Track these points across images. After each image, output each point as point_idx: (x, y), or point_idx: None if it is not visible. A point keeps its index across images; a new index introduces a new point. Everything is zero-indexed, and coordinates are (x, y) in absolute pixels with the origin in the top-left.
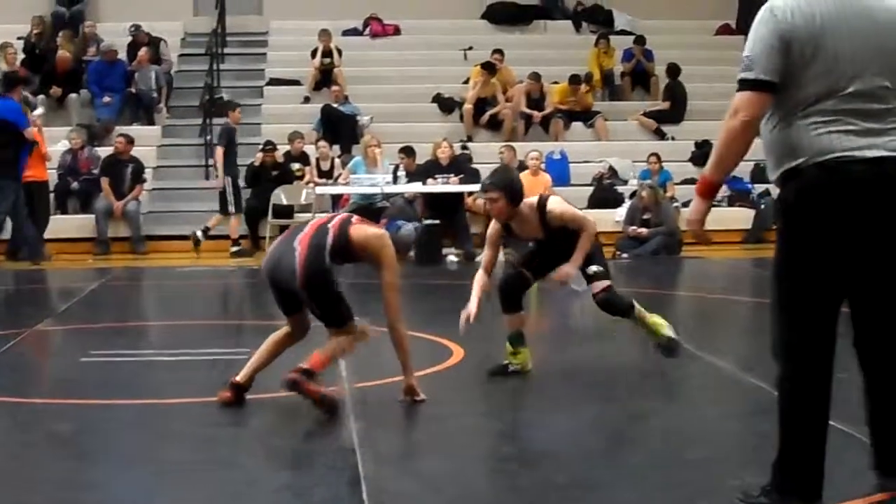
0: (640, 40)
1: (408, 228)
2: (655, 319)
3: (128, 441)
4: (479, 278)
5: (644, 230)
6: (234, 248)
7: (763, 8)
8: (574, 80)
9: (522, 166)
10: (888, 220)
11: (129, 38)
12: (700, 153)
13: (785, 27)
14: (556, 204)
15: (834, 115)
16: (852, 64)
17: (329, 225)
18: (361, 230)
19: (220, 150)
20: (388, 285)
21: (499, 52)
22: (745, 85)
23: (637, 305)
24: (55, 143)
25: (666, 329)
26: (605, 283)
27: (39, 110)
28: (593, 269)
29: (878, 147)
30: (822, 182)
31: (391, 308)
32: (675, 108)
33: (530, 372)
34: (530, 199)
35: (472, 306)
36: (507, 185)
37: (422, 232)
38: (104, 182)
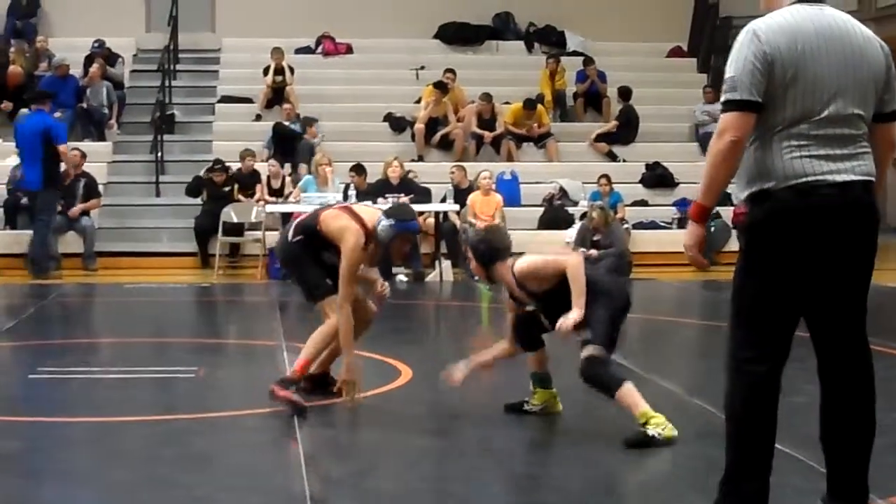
0: (589, 61)
1: (383, 225)
2: (646, 411)
3: (74, 459)
4: (498, 345)
5: (594, 251)
6: None
7: (745, 30)
8: (529, 104)
9: (473, 187)
10: (853, 242)
11: (82, 54)
12: (650, 175)
13: (768, 49)
14: (523, 262)
15: (808, 140)
16: (829, 89)
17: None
18: (331, 217)
19: (304, 169)
20: (341, 272)
21: (451, 71)
22: (730, 106)
23: (629, 387)
24: (5, 157)
25: (651, 427)
26: (591, 350)
27: None
28: (584, 335)
29: (846, 171)
30: (793, 205)
31: (339, 294)
32: (626, 130)
33: (557, 413)
34: (509, 262)
35: (461, 369)
36: (474, 245)
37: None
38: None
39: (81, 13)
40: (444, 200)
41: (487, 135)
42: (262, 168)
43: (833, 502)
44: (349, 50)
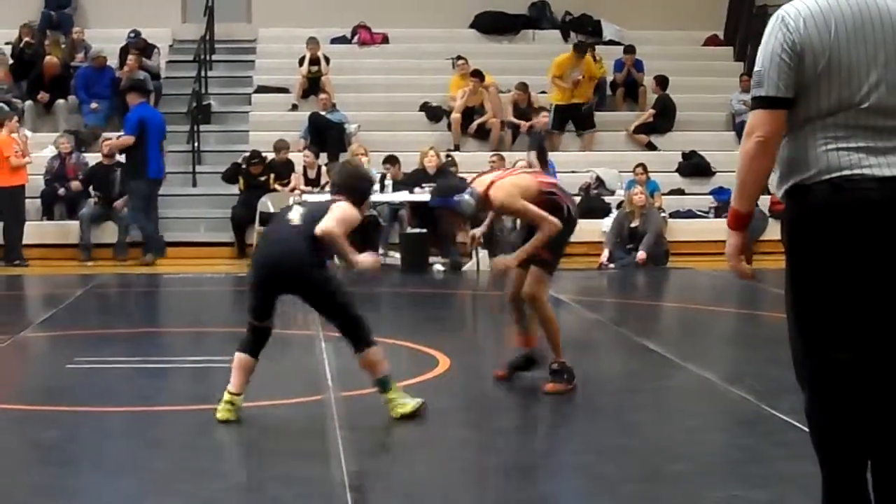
0: (629, 49)
1: (465, 199)
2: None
3: (111, 449)
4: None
5: (643, 255)
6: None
7: (774, 16)
8: (579, 48)
9: None
10: (887, 237)
11: (118, 45)
12: (687, 164)
13: (796, 38)
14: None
15: (845, 131)
16: (868, 77)
17: None
18: None
19: (533, 155)
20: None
21: (462, 58)
22: (757, 102)
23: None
24: (42, 148)
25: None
26: None
27: None
28: None
29: (889, 165)
30: (830, 201)
31: None
32: (662, 119)
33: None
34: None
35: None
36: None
37: (409, 240)
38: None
39: (117, 4)
40: None
41: (524, 124)
42: (298, 158)
43: None
44: (385, 40)
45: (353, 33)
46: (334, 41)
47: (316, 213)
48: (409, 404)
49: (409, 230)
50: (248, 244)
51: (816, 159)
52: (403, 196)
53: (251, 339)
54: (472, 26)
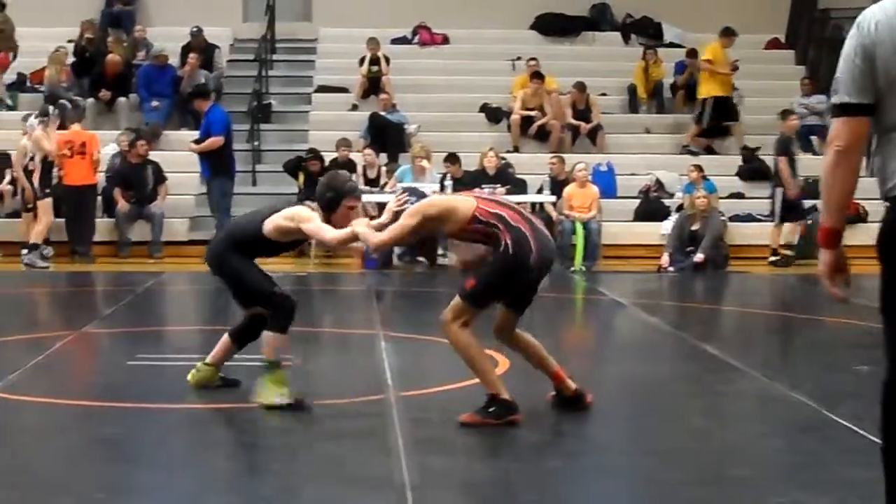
0: (692, 53)
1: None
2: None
3: (172, 446)
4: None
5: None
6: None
7: (855, 21)
8: (727, 31)
9: (569, 178)
10: None
11: (179, 44)
12: (747, 167)
13: (867, 42)
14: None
15: None
16: None
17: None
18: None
19: (783, 161)
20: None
21: (534, 59)
22: (836, 111)
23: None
24: (104, 146)
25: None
26: None
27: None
28: None
29: None
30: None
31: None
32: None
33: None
34: None
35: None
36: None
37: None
38: (116, 192)
39: (179, 2)
40: (540, 191)
41: (584, 126)
42: (358, 158)
43: None
44: (445, 40)
45: (414, 34)
46: (395, 41)
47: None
48: (272, 397)
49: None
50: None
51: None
52: None
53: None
54: (532, 27)
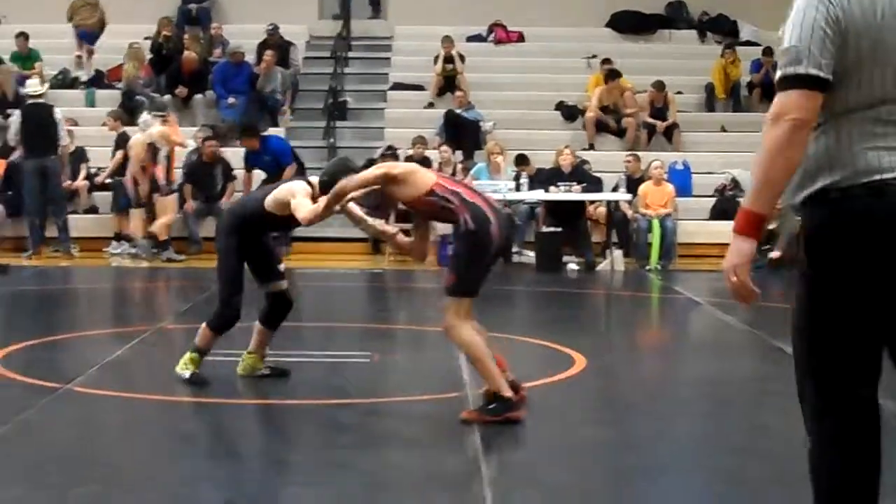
0: (768, 51)
1: None
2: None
3: (250, 441)
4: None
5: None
6: None
7: None
8: None
9: (644, 176)
10: None
11: (255, 41)
12: None
13: (840, 14)
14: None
15: (885, 127)
16: None
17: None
18: None
19: None
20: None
21: (607, 60)
22: (792, 82)
23: None
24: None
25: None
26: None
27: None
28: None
29: None
30: (868, 208)
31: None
32: None
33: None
34: None
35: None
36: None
37: (543, 239)
38: (186, 189)
39: (254, 0)
40: (615, 189)
41: (660, 124)
42: (434, 155)
43: None
44: (520, 38)
45: (489, 31)
46: (470, 39)
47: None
48: (182, 369)
49: (544, 229)
50: (381, 241)
51: (853, 159)
52: (538, 195)
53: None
54: (608, 25)
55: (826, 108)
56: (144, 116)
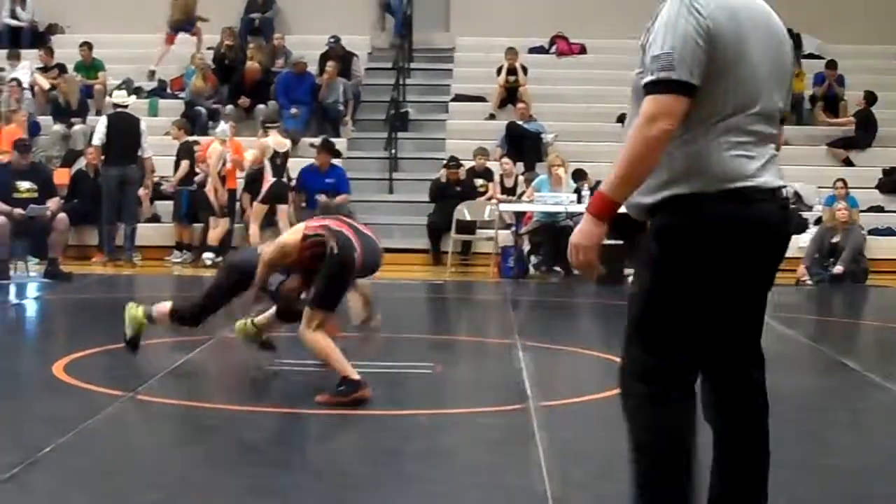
0: (831, 64)
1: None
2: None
3: (316, 451)
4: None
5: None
6: None
7: (677, 1)
8: None
9: None
10: (775, 254)
11: (317, 52)
12: (888, 180)
13: (711, 25)
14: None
15: (743, 136)
16: (762, 79)
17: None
18: None
19: None
20: None
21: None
22: (664, 87)
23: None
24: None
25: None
26: None
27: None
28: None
29: (774, 176)
30: (734, 214)
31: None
32: (864, 135)
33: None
34: None
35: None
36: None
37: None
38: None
39: (317, 11)
40: None
41: None
42: (495, 167)
43: None
44: (583, 50)
45: (551, 43)
46: (532, 51)
47: None
48: (128, 324)
49: (605, 241)
50: (443, 251)
51: (713, 165)
52: None
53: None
54: None
55: (693, 114)
56: (222, 126)
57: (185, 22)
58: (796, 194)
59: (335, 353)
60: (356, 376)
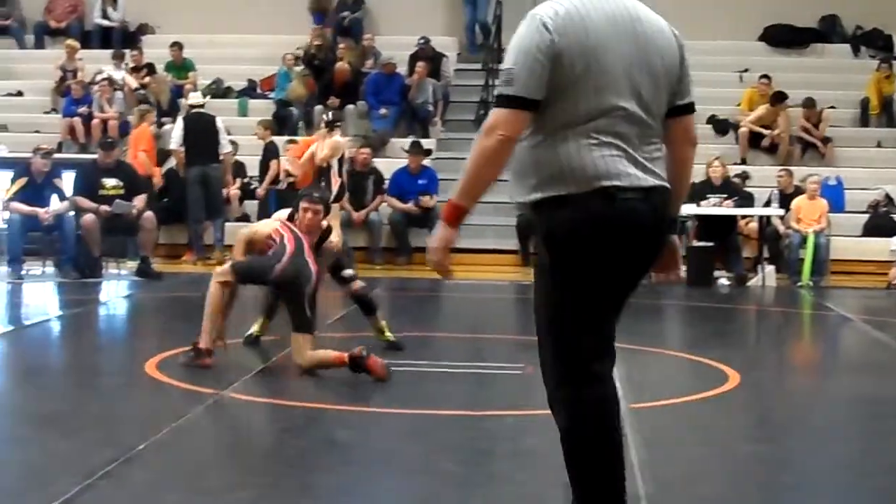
0: None
1: None
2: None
3: (405, 450)
4: None
5: None
6: None
7: (528, 17)
8: None
9: (799, 190)
10: (647, 250)
11: (406, 52)
12: None
13: (556, 38)
14: None
15: (607, 137)
16: (623, 83)
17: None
18: None
19: None
20: None
21: (766, 76)
22: (503, 101)
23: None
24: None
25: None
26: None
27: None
28: (348, 272)
29: (649, 174)
30: (600, 212)
31: None
32: None
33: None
34: None
35: None
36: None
37: (694, 254)
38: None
39: (406, 12)
40: (767, 204)
41: (814, 139)
42: None
43: None
44: None
45: None
46: None
47: None
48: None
49: (696, 243)
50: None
51: (581, 167)
52: (689, 209)
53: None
54: (760, 39)
55: (550, 121)
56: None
57: (320, 11)
58: (887, 197)
59: (213, 317)
60: (205, 345)
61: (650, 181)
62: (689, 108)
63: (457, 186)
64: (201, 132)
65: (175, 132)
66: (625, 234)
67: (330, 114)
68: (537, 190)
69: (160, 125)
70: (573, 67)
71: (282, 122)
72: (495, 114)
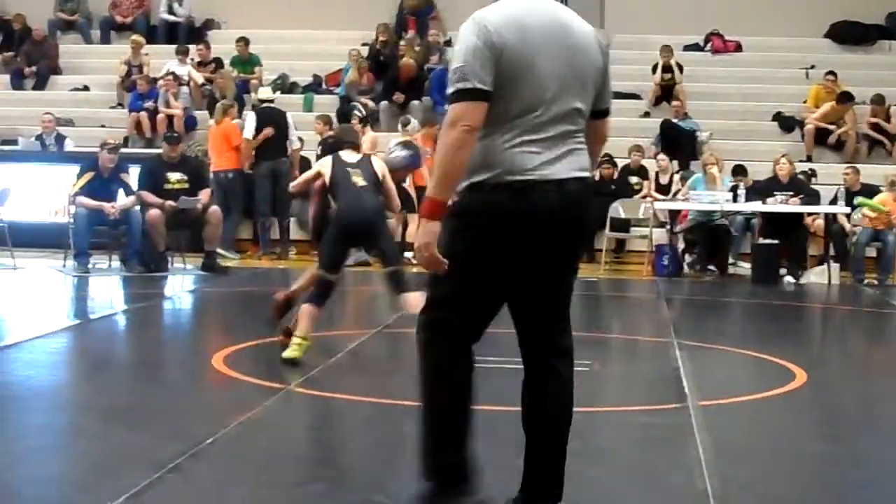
0: None
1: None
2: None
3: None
4: None
5: None
6: None
7: (470, 20)
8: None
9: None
10: (566, 239)
11: None
12: None
13: (497, 39)
14: None
15: (531, 134)
16: (553, 85)
17: None
18: None
19: None
20: None
21: (832, 73)
22: (462, 95)
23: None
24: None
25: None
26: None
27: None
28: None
29: (565, 169)
30: (510, 201)
31: None
32: None
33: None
34: None
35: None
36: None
37: (760, 251)
38: None
39: (470, 9)
40: (834, 202)
41: (883, 136)
42: (650, 164)
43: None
44: (738, 48)
45: (706, 41)
46: (687, 48)
47: (371, 174)
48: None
49: (761, 241)
50: (596, 249)
51: (502, 160)
52: (755, 206)
53: (320, 293)
54: (826, 35)
55: (488, 115)
56: (413, 123)
57: (420, 7)
58: None
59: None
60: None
61: (564, 174)
62: (607, 113)
63: (430, 183)
64: (272, 127)
65: (247, 124)
66: (529, 225)
67: (363, 109)
68: (468, 177)
69: None
70: (510, 68)
71: (344, 118)
72: (456, 108)
